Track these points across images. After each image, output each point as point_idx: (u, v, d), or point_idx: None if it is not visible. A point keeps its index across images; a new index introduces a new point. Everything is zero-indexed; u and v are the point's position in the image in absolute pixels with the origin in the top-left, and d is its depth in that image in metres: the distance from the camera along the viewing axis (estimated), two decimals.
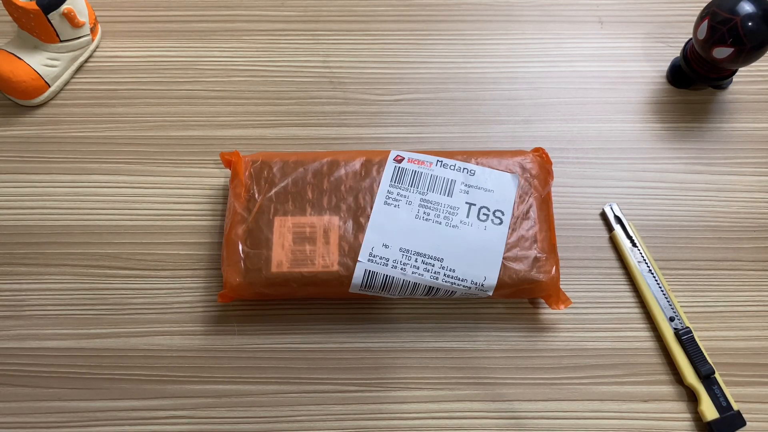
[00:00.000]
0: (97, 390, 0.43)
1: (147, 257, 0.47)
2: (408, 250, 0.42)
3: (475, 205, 0.43)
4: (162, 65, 0.55)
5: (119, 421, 0.42)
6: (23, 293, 0.46)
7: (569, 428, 0.42)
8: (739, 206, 0.49)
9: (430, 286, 0.42)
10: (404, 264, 0.42)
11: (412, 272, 0.42)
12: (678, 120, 0.52)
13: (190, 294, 0.46)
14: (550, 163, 0.46)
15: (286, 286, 0.42)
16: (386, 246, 0.42)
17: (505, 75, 0.53)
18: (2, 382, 0.44)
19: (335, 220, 0.43)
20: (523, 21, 0.56)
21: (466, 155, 0.46)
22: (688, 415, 0.43)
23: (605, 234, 0.48)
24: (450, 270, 0.42)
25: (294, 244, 0.42)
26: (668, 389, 0.43)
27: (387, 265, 0.42)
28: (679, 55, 0.53)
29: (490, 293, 0.42)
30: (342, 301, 0.46)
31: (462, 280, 0.42)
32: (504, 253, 0.42)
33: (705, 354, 0.42)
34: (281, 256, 0.42)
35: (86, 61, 0.55)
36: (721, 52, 0.46)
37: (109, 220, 0.48)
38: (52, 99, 0.53)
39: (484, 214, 0.43)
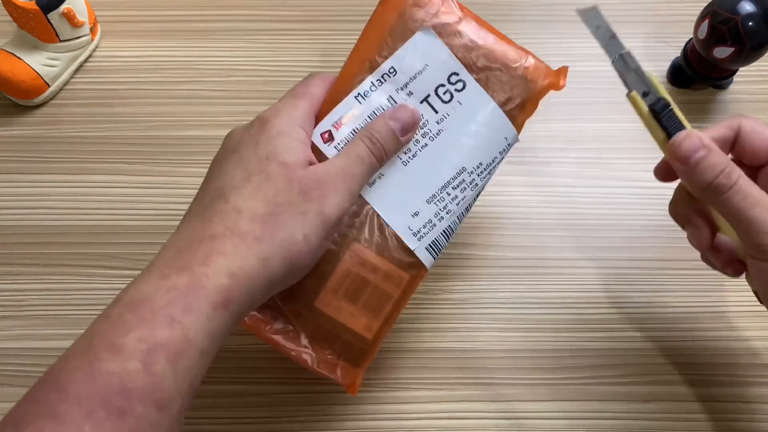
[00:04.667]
0: None
1: (147, 257, 0.47)
2: (433, 195, 0.36)
3: (429, 95, 0.36)
4: (162, 65, 0.55)
5: None
6: (23, 293, 0.46)
7: (569, 428, 0.42)
8: None
9: (479, 192, 0.38)
10: (444, 207, 0.36)
11: (456, 206, 0.36)
12: None
13: None
14: None
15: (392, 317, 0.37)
16: (416, 214, 0.36)
17: None
18: (2, 382, 0.44)
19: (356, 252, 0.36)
20: (524, 21, 0.56)
21: (357, 59, 0.36)
22: (688, 416, 0.43)
23: (605, 234, 0.48)
24: (478, 167, 0.36)
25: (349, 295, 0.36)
26: (669, 389, 0.43)
27: (435, 224, 0.36)
28: (679, 54, 0.53)
29: (518, 139, 0.38)
30: None
31: (493, 161, 0.37)
32: (498, 98, 0.36)
33: (686, 124, 0.34)
34: (357, 315, 0.36)
35: (86, 60, 0.55)
36: (722, 52, 0.46)
37: (109, 220, 0.48)
38: (51, 99, 0.53)
39: (444, 93, 0.36)
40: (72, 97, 0.53)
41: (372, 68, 0.36)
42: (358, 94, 0.36)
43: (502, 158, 0.37)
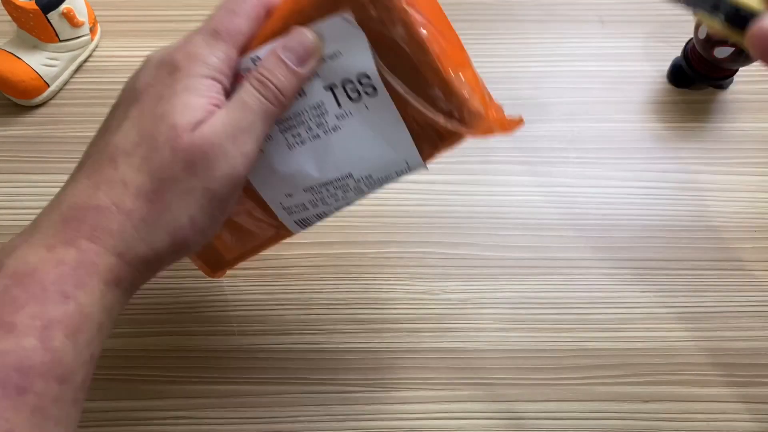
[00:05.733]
0: (97, 390, 0.43)
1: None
2: (311, 187, 0.34)
3: (336, 85, 0.31)
4: None
5: (119, 421, 0.42)
6: None
7: (570, 429, 0.42)
8: (740, 206, 0.49)
9: (364, 196, 0.35)
10: (321, 199, 0.34)
11: (335, 201, 0.34)
12: (678, 120, 0.52)
13: (190, 294, 0.46)
14: None
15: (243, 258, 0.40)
16: (290, 195, 0.34)
17: (505, 75, 0.53)
18: None
19: None
20: (524, 21, 0.56)
21: (274, 23, 0.31)
22: (688, 416, 0.43)
23: (605, 234, 0.48)
24: (367, 178, 0.33)
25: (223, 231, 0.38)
26: (669, 389, 0.43)
27: (308, 208, 0.35)
28: (679, 54, 0.53)
29: (426, 167, 0.33)
30: (342, 301, 0.46)
31: (385, 178, 0.33)
32: (406, 118, 0.31)
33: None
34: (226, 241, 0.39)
35: (86, 60, 0.55)
36: (722, 52, 0.46)
37: None
38: (51, 99, 0.53)
39: (352, 90, 0.31)
40: (72, 97, 0.53)
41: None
42: (257, 56, 0.31)
43: (400, 177, 0.34)
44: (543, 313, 0.46)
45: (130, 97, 0.30)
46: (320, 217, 0.36)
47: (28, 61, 0.51)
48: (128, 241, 0.28)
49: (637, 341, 0.45)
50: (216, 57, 0.29)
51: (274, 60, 0.29)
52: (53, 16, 0.50)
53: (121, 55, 0.55)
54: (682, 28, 0.55)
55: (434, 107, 0.30)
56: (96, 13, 0.55)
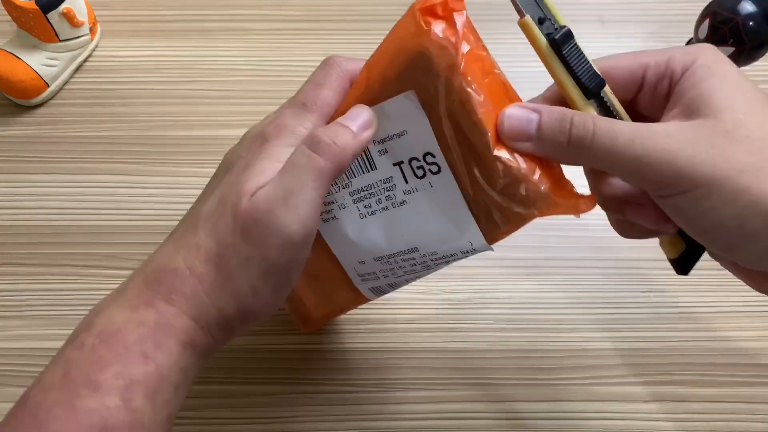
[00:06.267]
0: None
1: (146, 257, 0.47)
2: (381, 257, 0.34)
3: (403, 162, 0.31)
4: (161, 65, 0.55)
5: None
6: (23, 293, 0.46)
7: (570, 429, 0.42)
8: None
9: (432, 270, 0.35)
10: (390, 269, 0.35)
11: (404, 273, 0.35)
12: None
13: None
14: (461, 8, 0.29)
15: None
16: (362, 262, 0.35)
17: (505, 75, 0.53)
18: (2, 383, 0.43)
19: None
20: None
21: (354, 92, 0.32)
22: (688, 416, 0.43)
23: (605, 234, 0.48)
24: (432, 254, 0.33)
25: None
26: (669, 390, 0.43)
27: (379, 277, 0.36)
28: None
29: (494, 249, 0.32)
30: None
31: (451, 256, 0.33)
32: (468, 201, 0.31)
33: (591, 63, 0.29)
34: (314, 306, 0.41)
35: (85, 60, 0.55)
36: (723, 52, 0.46)
37: (109, 220, 0.48)
38: (51, 99, 0.53)
39: (418, 168, 0.31)
40: (71, 97, 0.53)
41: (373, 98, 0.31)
42: None
43: (466, 256, 0.33)
44: (543, 313, 0.46)
45: (224, 169, 0.31)
46: (392, 287, 0.37)
47: (28, 61, 0.51)
48: (200, 305, 0.28)
49: (637, 341, 0.45)
50: (303, 127, 0.30)
51: (334, 126, 0.29)
52: (53, 16, 0.50)
53: (121, 55, 0.55)
54: (682, 28, 0.55)
55: (495, 187, 0.29)
56: (96, 13, 0.55)
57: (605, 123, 0.26)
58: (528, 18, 0.28)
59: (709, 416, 0.43)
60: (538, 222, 0.48)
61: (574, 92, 0.28)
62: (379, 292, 0.38)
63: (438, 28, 0.28)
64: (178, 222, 0.32)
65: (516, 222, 0.31)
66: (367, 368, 0.44)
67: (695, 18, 0.48)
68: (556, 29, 0.28)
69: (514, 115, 0.27)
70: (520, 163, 0.28)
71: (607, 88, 0.29)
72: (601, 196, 0.31)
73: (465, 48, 0.28)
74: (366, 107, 0.30)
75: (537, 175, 0.28)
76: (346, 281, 0.37)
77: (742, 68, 0.52)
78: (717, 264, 0.48)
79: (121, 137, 0.51)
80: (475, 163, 0.29)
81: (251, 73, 0.54)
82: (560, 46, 0.28)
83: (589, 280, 0.47)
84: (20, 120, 0.52)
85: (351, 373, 0.44)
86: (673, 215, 0.27)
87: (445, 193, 0.31)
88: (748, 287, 0.46)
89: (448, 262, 0.34)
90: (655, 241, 0.49)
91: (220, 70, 0.54)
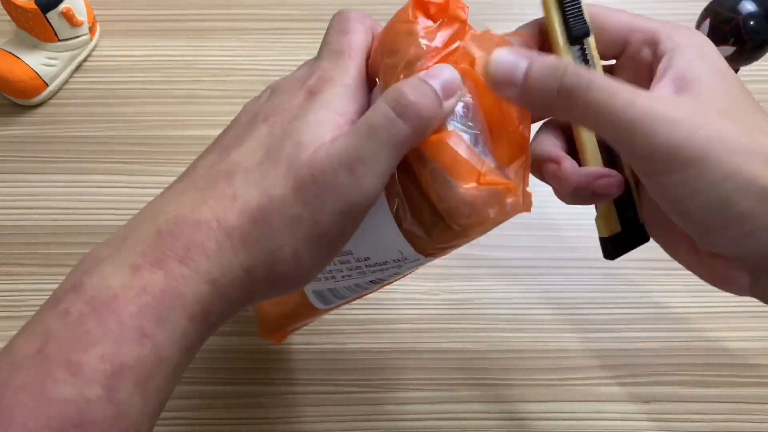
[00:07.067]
0: None
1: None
2: None
3: None
4: (161, 64, 0.54)
5: None
6: (22, 293, 0.46)
7: (570, 429, 0.42)
8: None
9: (370, 280, 0.33)
10: (330, 271, 0.33)
11: (342, 278, 0.33)
12: None
13: None
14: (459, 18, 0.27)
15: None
16: None
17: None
18: None
19: None
20: (524, 21, 0.56)
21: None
22: (688, 416, 0.43)
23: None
24: (365, 259, 0.31)
25: None
26: (669, 390, 0.43)
27: (320, 278, 0.33)
28: None
29: (419, 258, 0.30)
30: None
31: (385, 265, 0.31)
32: (393, 217, 0.28)
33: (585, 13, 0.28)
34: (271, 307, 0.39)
35: (85, 60, 0.55)
36: (723, 51, 0.46)
37: (109, 220, 0.48)
38: (50, 98, 0.53)
39: None
40: (71, 97, 0.53)
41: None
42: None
43: (400, 266, 0.31)
44: (543, 313, 0.46)
45: (252, 119, 0.27)
46: (334, 294, 0.35)
47: (28, 60, 0.51)
48: (224, 263, 0.24)
49: (637, 341, 0.45)
50: (350, 75, 0.27)
51: (416, 81, 0.25)
52: (52, 15, 0.50)
53: (121, 54, 0.55)
54: None
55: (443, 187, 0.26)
56: (95, 12, 0.55)
57: (604, 78, 0.23)
58: None
59: (709, 416, 0.43)
60: (538, 222, 0.48)
61: (558, 32, 0.28)
62: (322, 297, 0.35)
63: (423, 23, 0.27)
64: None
65: (462, 237, 0.28)
66: (367, 368, 0.44)
67: (696, 18, 0.48)
68: None
69: (503, 60, 0.24)
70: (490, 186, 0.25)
71: (591, 40, 0.28)
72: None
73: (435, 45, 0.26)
74: (451, 68, 0.26)
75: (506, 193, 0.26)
76: None
77: (743, 68, 0.52)
78: None
79: (120, 137, 0.51)
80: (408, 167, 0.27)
81: (251, 73, 0.54)
82: None
83: (589, 280, 0.47)
84: (20, 120, 0.52)
85: (351, 374, 0.44)
86: (656, 193, 0.25)
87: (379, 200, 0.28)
88: None
89: (383, 271, 0.31)
90: (654, 242, 0.49)
91: (220, 70, 0.54)
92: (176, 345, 0.23)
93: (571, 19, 0.28)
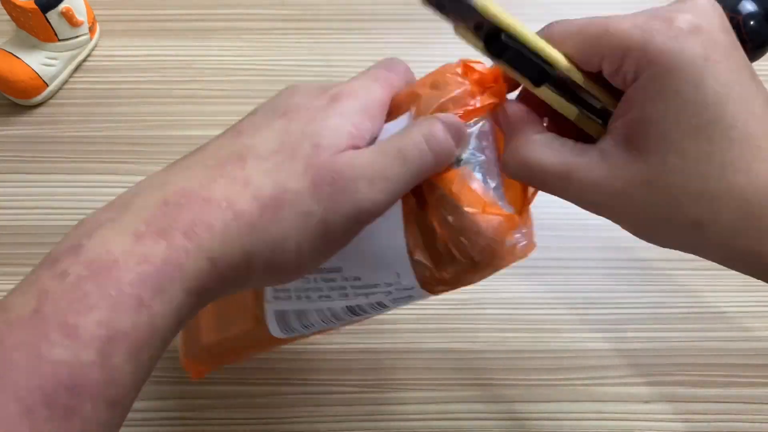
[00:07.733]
0: None
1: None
2: None
3: None
4: (161, 64, 0.54)
5: None
6: None
7: (570, 429, 0.42)
8: None
9: (349, 306, 0.31)
10: (306, 290, 0.31)
11: (318, 298, 0.31)
12: None
13: None
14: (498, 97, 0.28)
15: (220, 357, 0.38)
16: None
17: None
18: None
19: None
20: (524, 21, 0.56)
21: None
22: (688, 416, 0.43)
23: (605, 233, 0.48)
24: (354, 278, 0.30)
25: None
26: (669, 390, 0.43)
27: (291, 297, 0.32)
28: None
29: (414, 284, 0.29)
30: None
31: (375, 287, 0.30)
32: (404, 235, 0.28)
33: (553, 56, 0.28)
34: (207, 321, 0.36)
35: (85, 60, 0.55)
36: None
37: None
38: (50, 98, 0.53)
39: None
40: (71, 97, 0.53)
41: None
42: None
43: (389, 294, 0.30)
44: (543, 313, 0.46)
45: (272, 111, 0.28)
46: (299, 319, 0.33)
47: (27, 60, 0.51)
48: (227, 242, 0.24)
49: (637, 341, 0.45)
50: (374, 99, 0.28)
51: (440, 124, 0.26)
52: (52, 15, 0.50)
53: (121, 54, 0.55)
54: None
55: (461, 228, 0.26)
56: (95, 12, 0.55)
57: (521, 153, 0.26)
58: (462, 26, 0.27)
59: (709, 417, 0.43)
60: (538, 222, 0.48)
61: (524, 81, 0.27)
62: (284, 322, 0.33)
63: (463, 80, 0.29)
64: None
65: (471, 276, 0.28)
66: (367, 369, 0.44)
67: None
68: (496, 32, 0.27)
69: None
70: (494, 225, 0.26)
71: (565, 64, 0.27)
72: None
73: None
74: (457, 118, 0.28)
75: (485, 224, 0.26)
76: (254, 297, 0.34)
77: None
78: (717, 264, 0.48)
79: (120, 137, 0.51)
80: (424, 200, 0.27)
81: (251, 73, 0.54)
82: (500, 51, 0.27)
83: (589, 280, 0.47)
84: (19, 120, 0.52)
85: (351, 374, 0.44)
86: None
87: (386, 220, 0.27)
88: (748, 288, 0.46)
89: (367, 296, 0.30)
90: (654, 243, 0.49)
91: (220, 70, 0.54)
92: (170, 317, 0.23)
93: (524, 72, 0.27)
